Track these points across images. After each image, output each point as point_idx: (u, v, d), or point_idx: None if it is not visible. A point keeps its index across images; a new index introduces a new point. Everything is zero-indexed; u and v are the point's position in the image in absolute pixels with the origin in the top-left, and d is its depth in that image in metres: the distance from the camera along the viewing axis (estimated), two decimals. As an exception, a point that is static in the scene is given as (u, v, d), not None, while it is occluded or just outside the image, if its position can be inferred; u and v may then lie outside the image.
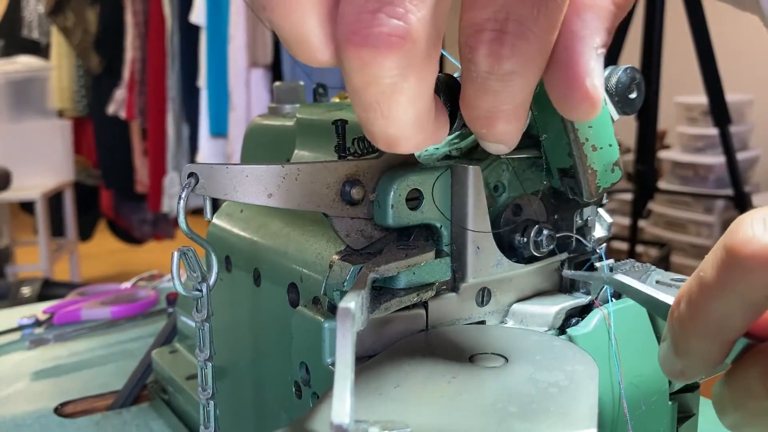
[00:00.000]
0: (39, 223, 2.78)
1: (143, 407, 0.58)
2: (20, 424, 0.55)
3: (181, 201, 0.33)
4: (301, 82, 0.57)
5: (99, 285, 0.91)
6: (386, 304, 0.33)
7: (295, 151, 0.50)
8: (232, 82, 2.39)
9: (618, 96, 0.40)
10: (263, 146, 0.56)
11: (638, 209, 2.04)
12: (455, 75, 0.36)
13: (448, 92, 0.32)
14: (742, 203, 1.83)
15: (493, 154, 0.39)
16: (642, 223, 3.08)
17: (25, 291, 1.73)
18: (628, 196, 2.48)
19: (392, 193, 0.35)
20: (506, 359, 0.32)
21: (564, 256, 0.41)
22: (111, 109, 2.92)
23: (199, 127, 2.57)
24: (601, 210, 0.44)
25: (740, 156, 2.58)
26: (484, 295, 0.38)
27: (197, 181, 0.33)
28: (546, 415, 0.27)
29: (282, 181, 0.33)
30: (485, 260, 0.37)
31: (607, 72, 0.40)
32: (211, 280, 0.35)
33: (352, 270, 0.34)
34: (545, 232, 0.39)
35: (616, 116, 0.39)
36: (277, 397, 0.39)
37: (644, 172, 1.93)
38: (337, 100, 0.54)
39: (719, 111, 1.80)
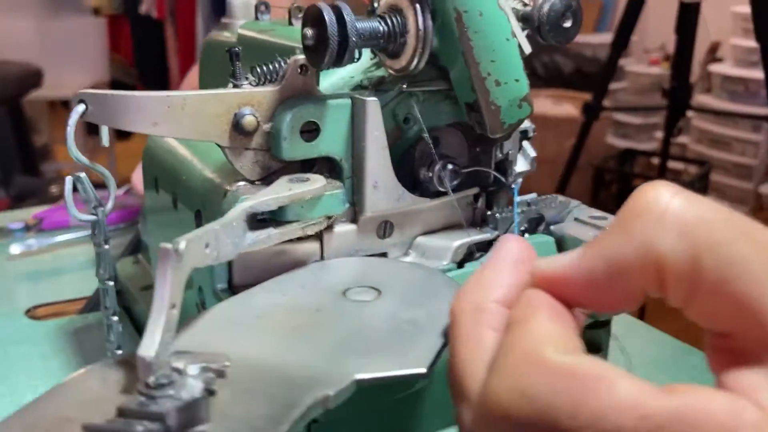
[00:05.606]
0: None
1: (109, 312, 0.61)
2: (-8, 324, 0.58)
3: (70, 128, 0.33)
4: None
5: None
6: (264, 237, 0.33)
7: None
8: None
9: (550, 25, 0.39)
10: (216, 64, 0.56)
11: (670, 126, 1.96)
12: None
13: (318, 23, 0.31)
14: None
15: (401, 86, 0.38)
16: (685, 140, 2.97)
17: (54, 190, 1.80)
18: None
19: (285, 124, 0.35)
20: (380, 293, 0.33)
21: (475, 190, 0.41)
22: (143, 8, 2.90)
23: (229, 28, 2.54)
24: (525, 143, 0.43)
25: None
26: (386, 228, 0.39)
27: (87, 108, 0.33)
28: (385, 354, 0.28)
29: (167, 110, 0.34)
30: (384, 194, 0.37)
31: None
32: (108, 205, 0.36)
33: (233, 201, 0.34)
34: (449, 167, 0.38)
35: (528, 50, 0.37)
36: (185, 318, 0.41)
37: (676, 89, 1.84)
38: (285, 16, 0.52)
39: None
